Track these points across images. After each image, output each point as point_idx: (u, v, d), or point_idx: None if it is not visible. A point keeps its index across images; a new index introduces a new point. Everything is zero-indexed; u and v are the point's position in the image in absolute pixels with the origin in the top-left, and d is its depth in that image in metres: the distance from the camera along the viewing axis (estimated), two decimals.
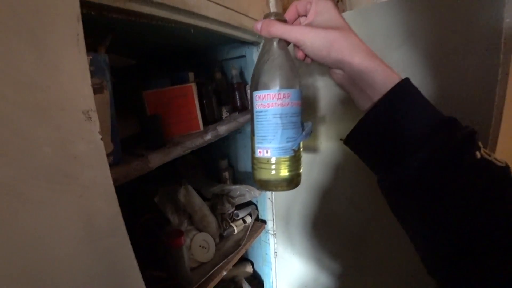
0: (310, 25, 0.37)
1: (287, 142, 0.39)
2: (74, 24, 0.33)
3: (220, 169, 1.03)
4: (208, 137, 0.63)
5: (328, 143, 0.77)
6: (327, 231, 0.85)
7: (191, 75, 0.74)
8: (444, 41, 0.54)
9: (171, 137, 0.64)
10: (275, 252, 1.05)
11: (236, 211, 0.95)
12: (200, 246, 0.79)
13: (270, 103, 0.38)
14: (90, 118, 0.35)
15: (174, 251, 0.67)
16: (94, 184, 0.36)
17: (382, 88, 0.33)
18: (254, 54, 0.86)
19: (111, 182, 0.38)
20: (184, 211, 0.81)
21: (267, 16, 0.40)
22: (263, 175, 0.42)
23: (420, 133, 0.31)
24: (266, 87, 0.39)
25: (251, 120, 0.42)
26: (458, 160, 0.29)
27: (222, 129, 0.68)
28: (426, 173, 0.30)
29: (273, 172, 0.41)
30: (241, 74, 0.94)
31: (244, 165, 1.07)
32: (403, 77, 0.33)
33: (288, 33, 0.37)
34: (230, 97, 0.89)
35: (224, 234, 0.90)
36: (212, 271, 0.76)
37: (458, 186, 0.29)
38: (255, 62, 0.86)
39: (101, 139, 0.36)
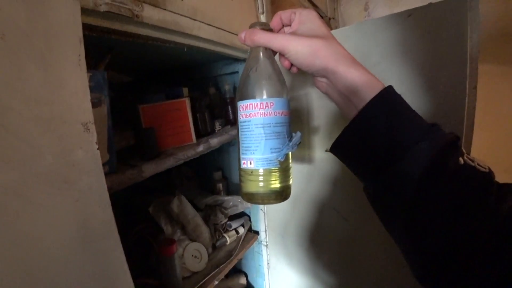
0: (294, 33, 0.38)
1: (271, 153, 0.38)
2: (76, 46, 0.37)
3: (214, 180, 1.06)
4: (200, 148, 0.67)
5: (324, 154, 0.80)
6: (322, 243, 0.87)
7: (185, 90, 0.78)
8: (417, 58, 0.59)
9: (165, 149, 0.67)
10: (268, 263, 1.07)
11: (229, 222, 0.97)
12: (192, 255, 0.81)
13: (253, 113, 0.38)
14: (89, 129, 0.38)
15: (166, 259, 0.69)
16: (90, 190, 0.39)
17: (366, 96, 0.33)
18: None
19: (106, 188, 0.41)
20: (177, 221, 0.83)
21: (252, 25, 0.41)
22: (248, 187, 0.41)
23: (404, 140, 0.31)
24: (249, 96, 0.39)
25: (237, 131, 0.42)
26: (442, 166, 0.29)
27: (214, 141, 0.71)
28: (410, 180, 0.30)
29: (259, 184, 0.40)
30: (234, 89, 0.98)
31: (237, 176, 1.09)
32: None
33: (272, 41, 0.37)
34: (223, 111, 0.93)
35: (216, 245, 0.92)
36: (204, 280, 0.77)
37: (443, 192, 0.29)
38: None
39: (98, 148, 0.39)
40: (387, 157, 0.32)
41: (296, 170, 0.85)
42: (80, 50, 0.38)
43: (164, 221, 0.80)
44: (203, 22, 0.65)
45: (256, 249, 1.09)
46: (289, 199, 0.43)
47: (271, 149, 0.38)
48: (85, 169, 0.38)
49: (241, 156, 0.41)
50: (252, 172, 0.40)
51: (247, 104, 0.39)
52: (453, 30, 0.55)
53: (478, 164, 0.30)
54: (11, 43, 0.32)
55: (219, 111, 0.95)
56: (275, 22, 0.41)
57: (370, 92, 0.32)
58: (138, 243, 0.79)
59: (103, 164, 0.49)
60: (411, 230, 0.31)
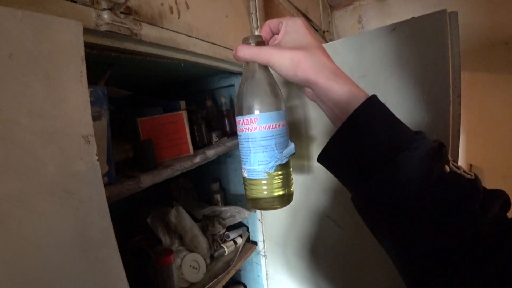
0: (278, 45, 0.38)
1: (258, 165, 0.41)
2: (79, 64, 0.40)
3: (212, 191, 1.08)
4: (197, 160, 0.69)
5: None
6: (322, 253, 0.86)
7: (182, 103, 0.81)
8: (402, 69, 0.61)
9: (162, 160, 0.69)
10: (267, 274, 1.07)
11: (227, 232, 0.98)
12: (190, 266, 0.82)
13: (241, 128, 0.41)
14: (89, 141, 0.40)
15: (163, 269, 0.70)
16: (90, 199, 0.41)
17: (348, 108, 0.33)
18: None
19: (105, 198, 0.43)
20: (175, 231, 0.84)
21: (244, 40, 0.42)
22: (247, 194, 0.45)
23: (388, 149, 0.31)
24: (239, 112, 0.42)
25: None
26: (427, 174, 0.29)
27: (211, 152, 0.73)
28: (394, 189, 0.30)
29: (253, 191, 0.43)
30: (231, 102, 1.01)
31: (235, 187, 1.11)
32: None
33: (257, 55, 0.38)
34: (220, 123, 0.95)
35: (215, 255, 0.93)
36: None
37: (428, 200, 0.29)
38: None
39: (98, 160, 0.41)
40: (371, 167, 0.32)
41: (295, 179, 0.86)
42: (82, 67, 0.40)
43: (162, 232, 0.81)
44: (198, 39, 0.68)
45: (254, 259, 1.09)
46: (287, 208, 0.45)
47: (258, 161, 0.41)
48: (85, 179, 0.40)
49: (241, 165, 0.44)
50: (245, 180, 0.44)
51: (238, 120, 0.42)
52: (435, 42, 0.58)
53: (464, 171, 0.30)
54: (18, 62, 0.34)
55: (216, 123, 0.98)
56: (264, 32, 0.43)
57: (352, 104, 0.33)
58: (136, 254, 0.80)
59: (103, 175, 0.51)
60: (398, 238, 0.32)
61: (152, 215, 0.83)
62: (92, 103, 0.50)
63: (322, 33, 2.08)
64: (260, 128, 0.40)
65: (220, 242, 0.95)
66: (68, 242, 0.38)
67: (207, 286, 0.80)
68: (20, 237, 0.34)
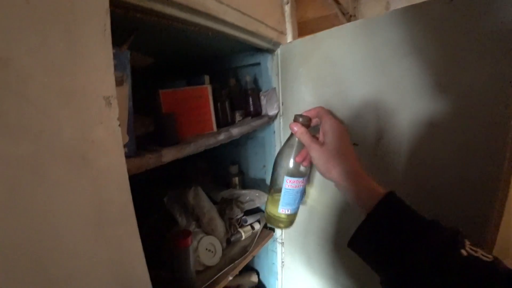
0: (318, 143, 0.49)
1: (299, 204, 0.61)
2: (102, 16, 0.35)
3: (231, 174, 1.04)
4: (221, 137, 0.64)
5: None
6: (348, 249, 0.81)
7: (206, 78, 0.76)
8: (449, 50, 0.53)
9: (184, 137, 0.65)
10: (282, 262, 1.03)
11: (244, 217, 0.94)
12: (206, 249, 0.79)
13: (295, 185, 0.56)
14: (110, 104, 0.36)
15: (180, 251, 0.66)
16: (108, 170, 0.37)
17: (368, 204, 0.40)
18: (268, 62, 0.88)
19: (126, 170, 0.39)
20: (192, 213, 0.81)
21: (297, 117, 0.54)
22: (277, 220, 0.62)
23: (406, 240, 0.36)
24: (294, 175, 0.55)
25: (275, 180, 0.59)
26: (443, 260, 0.33)
27: (235, 131, 0.69)
28: (415, 276, 0.34)
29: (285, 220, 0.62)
30: (255, 81, 0.96)
31: (254, 171, 1.07)
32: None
33: (305, 141, 0.50)
34: (243, 103, 0.90)
35: (231, 239, 0.89)
36: (218, 275, 0.75)
37: (448, 285, 0.32)
38: (269, 69, 0.89)
39: (119, 125, 0.37)
40: (390, 258, 0.37)
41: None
42: (106, 20, 0.36)
43: (179, 213, 0.78)
44: (229, 6, 0.62)
45: (270, 246, 1.05)
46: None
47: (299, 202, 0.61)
48: (105, 147, 0.36)
49: (280, 206, 0.59)
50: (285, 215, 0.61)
51: (293, 180, 0.56)
52: (499, 20, 0.49)
53: (482, 254, 0.33)
54: (36, 9, 0.30)
55: (239, 103, 0.93)
56: (309, 114, 0.55)
57: (370, 201, 0.40)
58: (151, 234, 0.77)
59: (123, 146, 0.48)
60: None
61: (169, 195, 0.80)
62: (115, 67, 0.46)
63: (349, 17, 1.97)
64: (304, 184, 0.58)
65: (237, 227, 0.92)
66: (83, 216, 0.35)
67: (224, 271, 0.77)
68: (31, 207, 0.30)
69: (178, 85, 0.69)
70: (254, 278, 1.16)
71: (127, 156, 0.49)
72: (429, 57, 0.56)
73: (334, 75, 0.71)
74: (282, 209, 0.59)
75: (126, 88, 0.49)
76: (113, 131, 0.37)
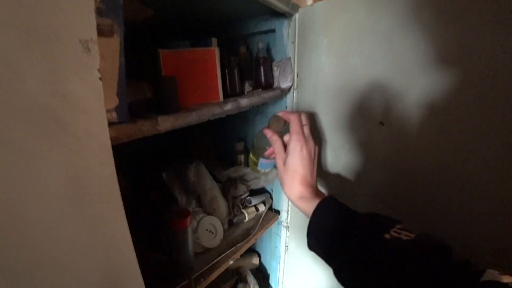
0: (282, 160, 0.54)
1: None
2: None
3: (236, 152, 0.96)
4: (228, 107, 0.56)
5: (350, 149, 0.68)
6: None
7: (214, 41, 0.66)
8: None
9: (187, 105, 0.57)
10: (286, 246, 0.98)
11: (249, 197, 0.87)
12: (207, 230, 0.73)
13: (269, 161, 0.65)
14: (89, 50, 0.28)
15: (178, 232, 0.60)
16: (87, 135, 0.29)
17: (310, 210, 0.48)
18: (284, 28, 0.78)
19: (108, 136, 0.31)
20: (193, 191, 0.74)
21: (271, 120, 0.58)
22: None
23: (339, 234, 0.43)
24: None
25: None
26: (367, 246, 0.39)
27: (244, 101, 0.60)
28: (353, 259, 0.40)
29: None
30: (268, 50, 0.86)
31: None
32: None
33: (275, 148, 0.56)
34: (253, 73, 0.81)
35: (234, 221, 0.84)
36: (218, 258, 0.69)
37: (373, 266, 0.38)
38: (285, 37, 0.79)
39: (101, 79, 0.29)
40: (330, 251, 0.44)
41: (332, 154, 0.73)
42: None
43: (178, 190, 0.72)
44: None
45: (274, 229, 1.00)
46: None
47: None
48: (81, 105, 0.28)
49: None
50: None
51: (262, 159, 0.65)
52: None
53: (405, 235, 0.38)
54: None
55: (249, 73, 0.83)
56: (287, 117, 0.56)
57: (311, 208, 0.48)
58: (147, 212, 0.71)
59: (112, 110, 0.40)
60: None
61: (169, 170, 0.73)
62: (102, 12, 0.37)
63: None
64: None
65: (241, 207, 0.86)
66: (54, 193, 0.27)
67: (224, 254, 0.71)
68: None
69: (182, 46, 0.60)
70: (255, 260, 1.12)
71: (117, 122, 0.42)
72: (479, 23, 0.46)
73: (362, 44, 0.61)
74: (260, 169, 0.69)
75: (117, 41, 0.40)
76: (92, 85, 0.29)
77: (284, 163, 0.53)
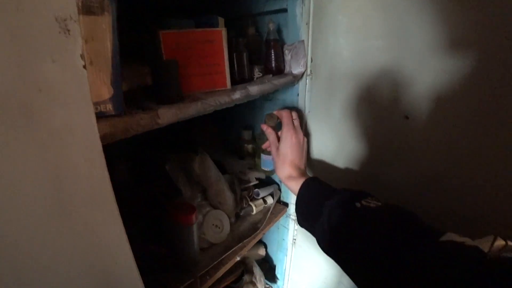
0: (277, 146, 0.63)
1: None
2: None
3: (243, 140, 0.91)
4: (237, 96, 0.50)
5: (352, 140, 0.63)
6: None
7: (221, 20, 0.60)
8: None
9: (190, 93, 0.51)
10: (294, 239, 0.95)
11: (256, 189, 0.83)
12: (213, 224, 0.70)
13: (269, 157, 0.70)
14: (68, 31, 0.23)
15: (183, 229, 0.57)
16: (70, 132, 0.24)
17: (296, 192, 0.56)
18: (297, 7, 0.70)
19: (96, 132, 0.26)
20: (198, 183, 0.70)
21: (266, 117, 0.66)
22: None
23: (318, 206, 0.49)
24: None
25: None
26: (341, 213, 0.44)
27: (254, 89, 0.55)
28: (328, 226, 0.45)
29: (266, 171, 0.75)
30: (279, 32, 0.79)
31: None
32: None
33: (270, 139, 0.65)
34: (263, 57, 0.74)
35: (241, 213, 0.80)
36: (225, 255, 0.66)
37: (345, 232, 0.43)
38: (297, 17, 0.72)
39: (85, 66, 0.24)
40: (312, 222, 0.51)
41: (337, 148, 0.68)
42: None
43: (183, 182, 0.67)
44: None
45: (282, 222, 0.96)
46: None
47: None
48: (61, 97, 0.23)
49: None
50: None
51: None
52: None
53: (374, 203, 0.44)
54: None
55: (258, 57, 0.77)
56: (279, 115, 0.66)
57: (297, 186, 0.56)
58: (149, 204, 0.67)
59: (106, 101, 0.35)
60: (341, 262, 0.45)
61: (172, 160, 0.69)
62: None
63: None
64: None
65: (248, 200, 0.82)
66: (33, 199, 0.23)
67: (232, 250, 0.68)
68: None
69: (185, 25, 0.54)
70: (262, 252, 1.09)
71: (112, 115, 0.37)
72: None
73: (388, 24, 0.54)
74: (264, 168, 0.74)
75: (108, 19, 0.35)
76: (74, 72, 0.24)
77: (277, 149, 0.62)
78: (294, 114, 0.65)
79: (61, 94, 0.23)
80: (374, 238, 0.39)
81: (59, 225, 0.26)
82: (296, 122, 0.64)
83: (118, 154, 0.78)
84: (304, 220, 0.54)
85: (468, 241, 0.32)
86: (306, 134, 0.78)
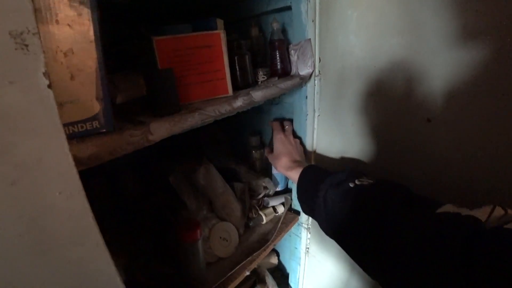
0: (270, 149, 0.72)
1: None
2: None
3: (250, 147, 0.87)
4: (238, 103, 0.47)
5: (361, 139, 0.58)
6: None
7: (219, 22, 0.56)
8: None
9: (189, 102, 0.48)
10: (307, 248, 0.90)
11: (266, 198, 0.79)
12: (220, 237, 0.66)
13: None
14: (26, 46, 0.19)
15: (187, 246, 0.53)
16: (38, 163, 0.21)
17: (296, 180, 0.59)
18: (302, 4, 0.66)
19: (70, 159, 0.23)
20: (203, 195, 0.67)
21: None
22: None
23: (318, 188, 0.51)
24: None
25: None
26: (335, 192, 0.47)
27: (258, 94, 0.51)
28: (324, 208, 0.48)
29: None
30: (284, 31, 0.74)
31: None
32: None
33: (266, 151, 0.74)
34: (268, 59, 0.70)
35: (250, 224, 0.76)
36: (233, 271, 0.62)
37: (338, 209, 0.46)
38: (303, 14, 0.67)
39: (49, 86, 0.21)
40: (312, 204, 0.53)
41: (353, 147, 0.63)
42: None
43: (187, 195, 0.64)
44: None
45: (294, 230, 0.92)
46: None
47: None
48: (22, 123, 0.20)
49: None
50: None
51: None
52: None
53: (366, 181, 0.46)
54: None
55: (263, 59, 0.73)
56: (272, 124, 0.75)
57: (297, 175, 0.59)
58: (154, 217, 0.64)
59: (92, 117, 0.32)
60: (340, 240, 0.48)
61: (176, 172, 0.65)
62: None
63: None
64: None
65: (258, 209, 0.78)
66: (7, 242, 0.20)
67: (240, 265, 0.64)
68: None
69: (181, 30, 0.50)
70: (274, 260, 1.05)
71: (100, 133, 0.34)
72: None
73: (405, 19, 0.49)
74: (274, 185, 0.81)
75: (89, 28, 0.31)
76: (38, 96, 0.20)
77: (274, 149, 0.69)
78: (285, 123, 0.75)
79: (24, 120, 0.20)
80: (370, 214, 0.40)
81: (40, 263, 0.23)
82: (288, 128, 0.73)
83: (122, 163, 0.75)
84: (307, 207, 0.56)
85: (464, 211, 0.32)
86: (316, 140, 0.74)
